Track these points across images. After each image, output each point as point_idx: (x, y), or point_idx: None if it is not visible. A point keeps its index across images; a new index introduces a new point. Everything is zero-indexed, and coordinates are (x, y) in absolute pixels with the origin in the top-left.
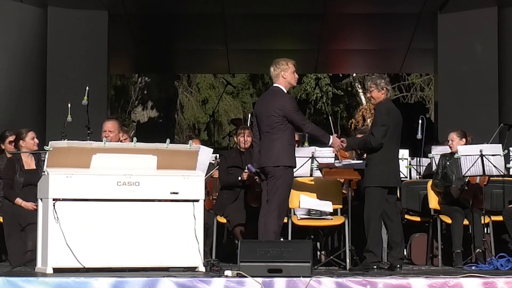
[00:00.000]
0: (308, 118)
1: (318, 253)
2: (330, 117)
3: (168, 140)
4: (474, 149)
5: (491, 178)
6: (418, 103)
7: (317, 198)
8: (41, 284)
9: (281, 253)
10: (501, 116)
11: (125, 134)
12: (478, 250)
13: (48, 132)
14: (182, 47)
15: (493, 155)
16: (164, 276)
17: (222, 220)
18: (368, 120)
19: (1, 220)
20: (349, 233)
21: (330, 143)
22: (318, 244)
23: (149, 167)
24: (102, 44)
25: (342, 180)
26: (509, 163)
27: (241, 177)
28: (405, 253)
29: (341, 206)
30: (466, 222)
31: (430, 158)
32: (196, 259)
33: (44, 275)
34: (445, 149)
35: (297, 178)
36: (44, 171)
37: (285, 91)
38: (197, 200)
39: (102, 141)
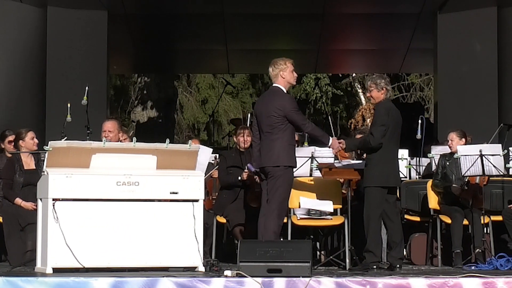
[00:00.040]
0: (307, 118)
1: (318, 253)
2: (329, 117)
3: (167, 140)
4: (474, 149)
5: (490, 178)
6: (416, 103)
7: (317, 198)
8: (41, 284)
9: (280, 253)
10: (501, 116)
11: (125, 134)
12: (477, 250)
13: (48, 132)
14: (181, 47)
15: (492, 155)
16: (163, 276)
17: (222, 220)
18: (368, 120)
19: (1, 220)
20: (348, 233)
21: (329, 144)
22: (318, 244)
23: (149, 167)
24: (101, 44)
25: (341, 180)
26: (508, 163)
27: (241, 177)
28: (404, 253)
29: (340, 206)
30: (465, 222)
31: (430, 158)
32: (196, 259)
33: (44, 275)
34: (445, 149)
35: (296, 178)
36: (43, 171)
37: (285, 91)
38: (196, 200)
39: (101, 141)
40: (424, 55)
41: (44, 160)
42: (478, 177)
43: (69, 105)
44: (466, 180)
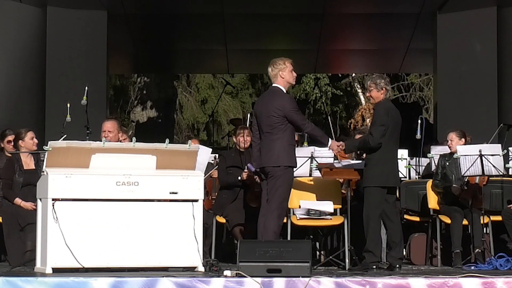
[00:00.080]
0: (307, 118)
1: (317, 253)
2: (329, 117)
3: (167, 140)
4: (473, 149)
5: (490, 178)
6: (414, 103)
7: (317, 198)
8: (41, 284)
9: (280, 253)
10: (501, 116)
11: (124, 134)
12: (477, 250)
13: (47, 132)
14: (181, 47)
15: (492, 155)
16: (163, 276)
17: (222, 220)
18: (367, 120)
19: (1, 220)
20: (348, 233)
21: (328, 146)
22: (318, 244)
23: (148, 167)
24: (101, 44)
25: (341, 180)
26: (508, 163)
27: (241, 177)
28: (404, 253)
29: (340, 206)
30: (465, 222)
31: (429, 158)
32: (195, 259)
33: (43, 275)
34: (445, 149)
35: (296, 178)
36: (43, 171)
37: (285, 91)
38: (196, 200)
39: (101, 141)
40: (424, 55)
41: (43, 160)
42: (477, 177)
43: (68, 105)
44: (466, 180)
